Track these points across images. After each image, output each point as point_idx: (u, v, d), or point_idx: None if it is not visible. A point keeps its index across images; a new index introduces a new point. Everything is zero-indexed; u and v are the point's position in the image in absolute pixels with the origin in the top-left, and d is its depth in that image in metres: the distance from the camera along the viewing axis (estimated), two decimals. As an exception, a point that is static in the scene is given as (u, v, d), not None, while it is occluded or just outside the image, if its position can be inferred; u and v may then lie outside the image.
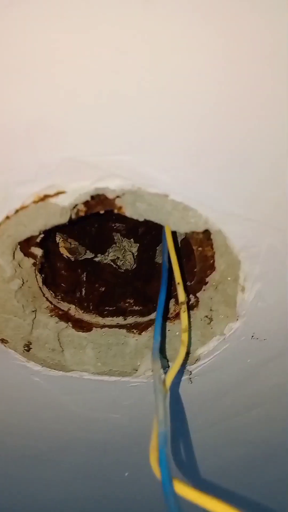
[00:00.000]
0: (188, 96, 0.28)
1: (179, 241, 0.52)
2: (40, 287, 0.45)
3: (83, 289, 0.56)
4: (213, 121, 0.29)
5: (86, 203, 0.36)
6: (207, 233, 0.40)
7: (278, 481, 0.62)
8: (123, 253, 0.61)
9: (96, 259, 0.60)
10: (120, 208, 0.37)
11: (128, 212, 0.37)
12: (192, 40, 0.25)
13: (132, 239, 0.63)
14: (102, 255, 0.60)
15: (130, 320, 0.51)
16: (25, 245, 0.40)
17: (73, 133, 0.29)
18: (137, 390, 0.50)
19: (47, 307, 0.46)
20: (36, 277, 0.43)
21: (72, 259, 0.57)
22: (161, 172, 0.31)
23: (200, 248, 0.42)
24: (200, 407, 0.51)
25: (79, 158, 0.30)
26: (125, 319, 0.51)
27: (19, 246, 0.39)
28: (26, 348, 0.44)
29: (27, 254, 0.41)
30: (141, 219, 0.38)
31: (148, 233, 0.65)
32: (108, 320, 0.51)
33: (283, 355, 0.47)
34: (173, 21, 0.25)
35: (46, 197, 0.32)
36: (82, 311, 0.50)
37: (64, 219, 0.35)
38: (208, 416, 0.53)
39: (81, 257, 0.57)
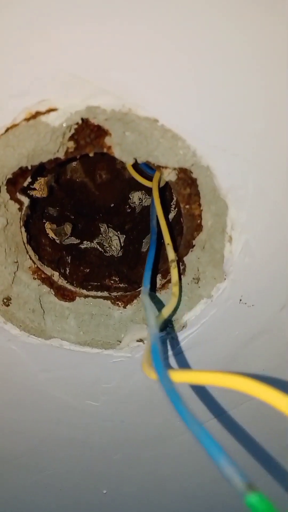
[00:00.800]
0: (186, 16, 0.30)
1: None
2: (24, 243, 0.43)
3: (67, 268, 0.54)
4: (208, 46, 0.31)
5: (75, 137, 0.36)
6: (194, 186, 0.40)
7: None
8: (110, 241, 0.60)
9: (82, 246, 0.59)
10: (109, 147, 0.38)
11: (117, 152, 0.38)
12: None
13: (118, 232, 0.63)
14: (88, 242, 0.59)
15: (116, 293, 0.49)
16: (12, 189, 0.40)
17: (70, 45, 0.30)
18: (119, 368, 0.47)
19: (30, 267, 0.44)
20: (21, 229, 0.42)
21: (58, 241, 0.56)
22: (153, 93, 0.32)
23: (187, 206, 0.43)
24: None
25: (73, 71, 0.31)
26: (109, 294, 0.49)
27: (6, 187, 0.39)
28: (5, 302, 0.41)
29: (14, 198, 0.40)
30: (129, 160, 0.38)
31: (134, 228, 0.66)
32: (92, 293, 0.49)
33: (271, 328, 0.45)
34: None
35: (37, 114, 0.33)
36: (66, 281, 0.48)
37: (53, 148, 0.35)
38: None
39: (66, 238, 0.57)
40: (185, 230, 0.44)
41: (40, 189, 0.51)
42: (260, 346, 0.46)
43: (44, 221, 0.56)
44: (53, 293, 0.46)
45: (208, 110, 0.33)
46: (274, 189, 0.37)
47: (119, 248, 0.59)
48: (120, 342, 0.46)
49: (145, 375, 0.27)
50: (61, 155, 0.37)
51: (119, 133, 0.36)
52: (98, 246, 0.57)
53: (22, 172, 0.39)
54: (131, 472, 0.58)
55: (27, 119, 0.33)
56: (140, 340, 0.46)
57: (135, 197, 0.68)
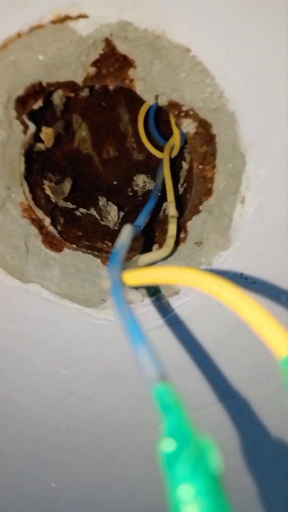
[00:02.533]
0: None
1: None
2: (20, 174, 0.40)
3: (58, 227, 0.51)
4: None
5: (98, 64, 0.35)
6: (212, 144, 0.39)
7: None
8: (107, 215, 0.58)
9: (77, 212, 0.57)
10: (132, 80, 0.36)
11: (139, 87, 0.36)
12: None
13: (117, 207, 0.60)
14: (84, 209, 0.57)
15: (107, 255, 0.46)
16: (20, 109, 0.37)
17: None
18: (99, 333, 0.43)
19: (22, 202, 0.41)
20: (19, 156, 0.39)
21: (54, 200, 0.54)
22: (191, 18, 0.31)
23: (200, 166, 0.41)
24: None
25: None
26: (100, 254, 0.46)
27: (15, 103, 0.36)
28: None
29: (19, 119, 0.37)
30: (151, 97, 0.36)
31: (134, 211, 0.64)
32: (83, 250, 0.46)
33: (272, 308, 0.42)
34: None
35: (66, 18, 0.31)
36: (56, 230, 0.45)
37: (73, 64, 0.34)
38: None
39: (63, 198, 0.54)
40: (193, 194, 0.42)
41: (46, 138, 0.49)
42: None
43: (42, 179, 0.53)
44: (41, 238, 0.43)
45: (244, 50, 0.32)
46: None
47: (117, 220, 0.56)
48: (104, 301, 0.42)
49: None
50: (79, 79, 0.35)
51: (146, 62, 0.34)
52: (95, 212, 0.55)
53: (34, 92, 0.37)
54: (89, 466, 0.52)
55: (54, 22, 0.31)
56: (129, 302, 0.42)
57: (140, 180, 0.66)
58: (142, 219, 0.37)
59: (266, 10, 0.31)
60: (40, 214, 0.43)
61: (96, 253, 0.46)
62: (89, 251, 0.46)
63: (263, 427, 0.45)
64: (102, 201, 0.60)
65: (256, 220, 0.38)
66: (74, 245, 0.46)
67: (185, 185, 0.56)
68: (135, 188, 0.66)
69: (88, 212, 0.56)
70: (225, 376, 0.43)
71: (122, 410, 0.48)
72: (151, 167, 0.66)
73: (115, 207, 0.56)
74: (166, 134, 0.60)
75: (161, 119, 0.60)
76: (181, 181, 0.58)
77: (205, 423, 0.46)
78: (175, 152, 0.50)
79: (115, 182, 0.66)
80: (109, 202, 0.59)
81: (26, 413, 0.49)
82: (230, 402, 0.46)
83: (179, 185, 0.55)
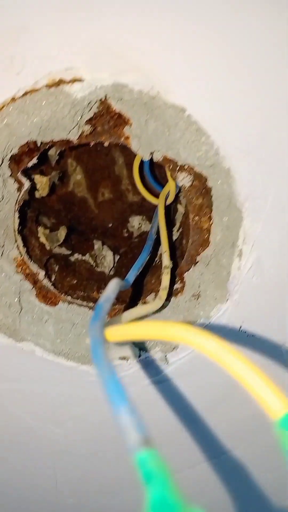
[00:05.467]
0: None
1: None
2: (14, 230, 0.40)
3: (53, 275, 0.51)
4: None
5: (92, 122, 0.35)
6: (208, 196, 0.39)
7: None
8: (103, 259, 0.58)
9: (72, 258, 0.57)
10: (127, 138, 0.37)
11: (135, 144, 0.37)
12: None
13: (112, 251, 0.60)
14: (79, 255, 0.57)
15: (102, 306, 0.46)
16: (15, 166, 0.38)
17: (107, 15, 0.30)
18: (95, 390, 0.42)
19: (16, 258, 0.41)
20: (14, 213, 0.39)
21: (48, 247, 0.54)
22: (186, 79, 0.32)
23: (197, 218, 0.41)
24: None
25: (106, 43, 0.31)
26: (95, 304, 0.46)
27: (8, 162, 0.37)
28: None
29: (14, 177, 0.38)
30: (146, 154, 0.37)
31: (129, 252, 0.64)
32: (78, 301, 0.45)
33: (270, 361, 0.42)
34: None
35: (61, 82, 0.32)
36: (51, 283, 0.45)
37: (68, 125, 0.34)
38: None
39: (58, 244, 0.54)
40: (190, 245, 0.43)
41: (41, 187, 0.50)
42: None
43: (37, 225, 0.54)
44: (35, 292, 0.43)
45: (239, 109, 0.33)
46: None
47: (112, 266, 0.56)
48: (101, 358, 0.42)
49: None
50: (74, 137, 0.36)
51: (140, 121, 0.35)
52: (90, 258, 0.55)
53: (29, 150, 0.37)
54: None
55: (49, 86, 0.32)
56: (124, 358, 0.42)
57: (135, 221, 0.67)
58: (133, 274, 0.37)
59: (259, 68, 0.32)
60: (34, 268, 0.43)
61: (92, 304, 0.46)
62: (84, 303, 0.45)
63: (254, 486, 0.44)
64: (97, 244, 0.60)
65: (255, 273, 0.38)
66: (69, 297, 0.45)
67: (181, 229, 0.56)
68: (131, 229, 0.67)
69: (83, 258, 0.56)
70: (220, 433, 0.43)
71: (118, 467, 0.47)
72: (146, 208, 0.67)
73: (110, 252, 0.56)
74: (161, 178, 0.61)
75: (156, 164, 0.61)
76: (177, 224, 0.59)
77: (195, 481, 0.45)
78: (170, 199, 0.51)
79: (110, 224, 0.66)
80: (104, 246, 0.60)
81: (18, 472, 0.47)
82: (223, 458, 0.44)
83: (175, 229, 0.55)
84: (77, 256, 0.56)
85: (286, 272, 0.38)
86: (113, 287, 0.30)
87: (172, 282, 0.43)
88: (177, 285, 0.44)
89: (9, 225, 0.39)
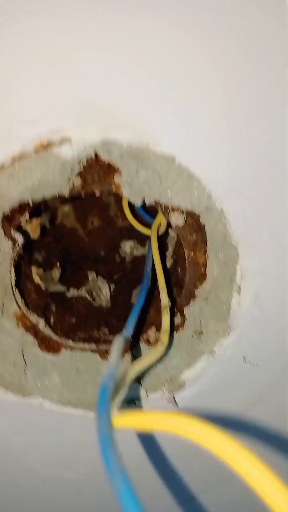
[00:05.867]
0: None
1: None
2: (12, 286, 0.40)
3: (52, 317, 0.51)
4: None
5: (82, 174, 0.35)
6: (201, 232, 0.40)
7: None
8: (99, 292, 0.58)
9: (68, 294, 0.57)
10: (118, 187, 0.37)
11: (126, 192, 0.37)
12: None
13: (107, 281, 0.61)
14: (75, 289, 0.57)
15: (104, 347, 0.46)
16: (7, 225, 0.38)
17: (90, 74, 0.30)
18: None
19: (15, 313, 0.41)
20: (10, 270, 0.39)
21: (43, 287, 0.54)
22: (171, 131, 0.32)
23: (192, 253, 0.41)
24: (180, 459, 0.43)
25: (91, 101, 0.31)
26: (98, 346, 0.46)
27: (0, 223, 0.37)
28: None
29: (8, 235, 0.38)
30: (137, 201, 0.37)
31: (124, 278, 0.64)
32: (80, 345, 0.45)
33: (274, 389, 0.42)
34: None
35: (49, 145, 0.32)
36: (52, 330, 0.45)
37: (59, 183, 0.34)
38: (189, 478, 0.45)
39: (52, 285, 0.54)
40: (187, 280, 0.43)
41: (32, 230, 0.49)
42: (261, 410, 0.43)
43: (30, 264, 0.53)
44: (37, 344, 0.43)
45: (228, 151, 0.34)
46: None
47: (109, 298, 0.56)
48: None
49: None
50: (65, 191, 0.36)
51: (131, 171, 0.35)
52: (86, 294, 0.55)
53: (20, 208, 0.37)
54: None
55: (37, 150, 0.32)
56: (132, 401, 0.42)
57: (127, 246, 0.67)
58: (132, 322, 0.37)
59: (246, 112, 0.33)
60: (33, 318, 0.43)
61: (94, 346, 0.46)
62: (86, 344, 0.45)
63: None
64: (91, 275, 0.60)
65: (254, 307, 0.39)
66: (70, 341, 0.45)
67: (174, 256, 0.56)
68: (123, 254, 0.67)
69: (79, 294, 0.56)
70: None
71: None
72: (137, 232, 0.67)
73: (105, 285, 0.56)
74: (152, 208, 0.61)
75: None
76: (170, 249, 0.59)
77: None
78: (162, 230, 0.51)
79: (102, 252, 0.66)
80: (99, 277, 0.60)
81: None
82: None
83: (169, 255, 0.56)
84: (73, 291, 0.56)
85: (285, 303, 0.38)
86: (116, 353, 0.30)
87: (171, 309, 0.43)
88: (177, 319, 0.44)
89: (7, 283, 0.39)
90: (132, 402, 0.42)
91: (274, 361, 0.42)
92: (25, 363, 0.40)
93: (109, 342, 0.48)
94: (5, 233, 0.37)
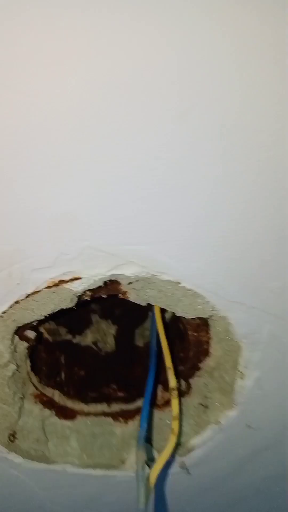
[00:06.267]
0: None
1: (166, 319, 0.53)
2: (28, 372, 0.43)
3: (62, 373, 0.54)
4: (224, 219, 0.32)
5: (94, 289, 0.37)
6: (205, 325, 0.42)
7: None
8: (103, 336, 0.61)
9: (75, 340, 0.59)
10: (124, 293, 0.39)
11: (132, 297, 0.39)
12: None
13: (109, 320, 0.63)
14: (80, 336, 0.60)
15: (115, 407, 0.50)
16: (21, 328, 0.40)
17: (97, 225, 0.31)
18: (123, 486, 0.48)
19: (32, 393, 0.44)
20: (26, 362, 0.42)
21: (51, 340, 0.56)
22: (176, 261, 0.34)
23: (195, 333, 0.44)
24: (188, 502, 0.49)
25: (99, 247, 0.32)
26: (109, 406, 0.50)
27: (15, 333, 0.39)
28: (10, 438, 0.41)
29: (22, 337, 0.40)
30: (143, 303, 0.39)
31: (125, 314, 0.66)
32: (93, 407, 0.49)
33: (274, 446, 0.47)
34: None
35: (60, 282, 0.33)
36: (66, 397, 0.48)
37: (72, 304, 0.36)
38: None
39: (59, 335, 0.56)
40: (192, 354, 0.46)
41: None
42: (261, 462, 0.48)
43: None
44: (55, 413, 0.46)
45: (229, 271, 0.35)
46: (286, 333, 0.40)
47: (115, 344, 0.59)
48: (124, 462, 0.47)
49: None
50: (74, 304, 0.37)
51: (139, 288, 0.36)
52: (92, 345, 0.58)
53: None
54: None
55: (49, 287, 0.33)
56: (145, 463, 0.47)
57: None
58: (145, 414, 0.40)
59: (247, 239, 0.34)
60: (49, 391, 0.46)
61: (106, 406, 0.50)
62: (98, 407, 0.49)
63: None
64: (94, 318, 0.63)
65: (257, 388, 0.42)
66: (84, 405, 0.49)
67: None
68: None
69: (85, 343, 0.59)
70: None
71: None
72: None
73: (110, 330, 0.59)
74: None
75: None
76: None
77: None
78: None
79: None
80: (102, 320, 0.62)
81: None
82: None
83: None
84: (78, 339, 0.59)
85: (284, 381, 0.42)
86: (140, 465, 0.34)
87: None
88: (183, 386, 0.47)
89: (24, 376, 0.42)
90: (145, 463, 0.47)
91: (274, 423, 0.46)
92: (47, 438, 0.44)
93: (119, 399, 0.52)
94: (19, 338, 0.40)
